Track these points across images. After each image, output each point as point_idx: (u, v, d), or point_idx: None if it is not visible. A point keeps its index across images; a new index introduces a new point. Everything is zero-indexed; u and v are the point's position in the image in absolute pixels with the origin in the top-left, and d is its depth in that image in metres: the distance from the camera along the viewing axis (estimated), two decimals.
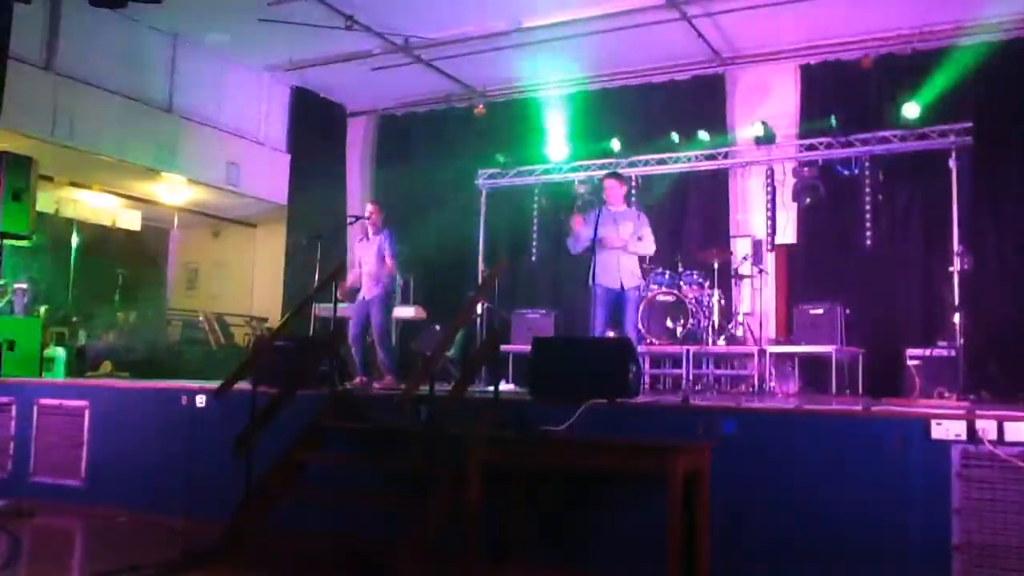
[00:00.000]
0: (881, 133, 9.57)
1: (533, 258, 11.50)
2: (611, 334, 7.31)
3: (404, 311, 10.05)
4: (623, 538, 4.88)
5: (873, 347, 9.30)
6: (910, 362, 8.56)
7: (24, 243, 8.59)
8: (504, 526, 5.05)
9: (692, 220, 10.77)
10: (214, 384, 5.88)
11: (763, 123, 10.09)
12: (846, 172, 9.83)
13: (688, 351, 9.30)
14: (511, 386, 8.96)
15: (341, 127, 12.88)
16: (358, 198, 12.71)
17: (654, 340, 9.38)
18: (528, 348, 5.93)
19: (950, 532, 4.21)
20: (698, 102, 10.79)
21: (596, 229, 7.05)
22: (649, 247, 7.37)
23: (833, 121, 9.70)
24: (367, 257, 7.83)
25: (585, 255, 7.21)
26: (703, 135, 10.42)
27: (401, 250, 8.04)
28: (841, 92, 10.03)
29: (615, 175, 7.65)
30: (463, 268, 11.64)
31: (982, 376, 8.16)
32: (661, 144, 10.59)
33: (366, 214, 8.01)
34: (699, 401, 5.72)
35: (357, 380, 7.50)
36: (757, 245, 10.31)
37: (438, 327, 10.08)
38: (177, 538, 5.64)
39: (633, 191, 10.43)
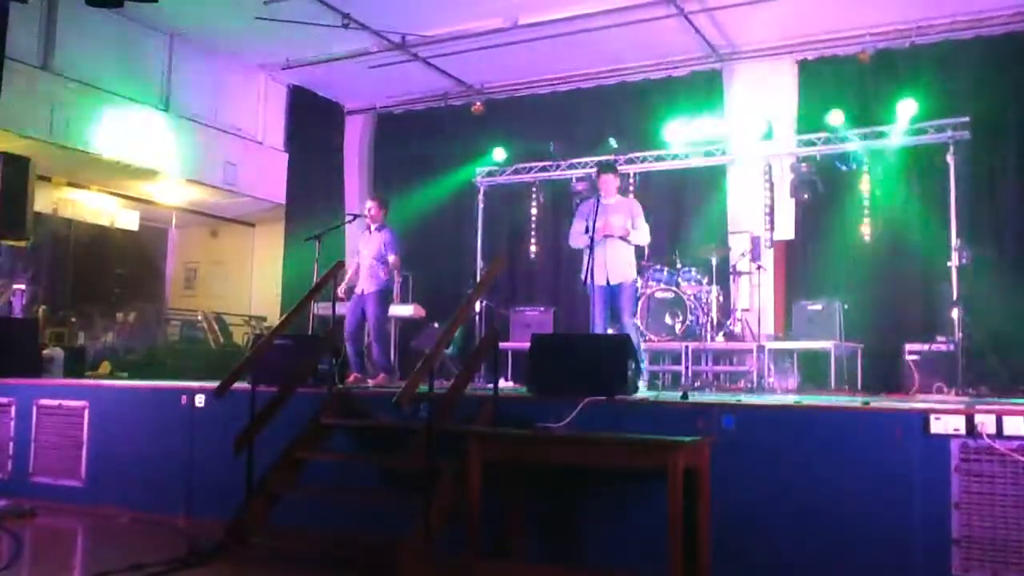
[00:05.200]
0: (879, 128, 9.57)
1: (532, 256, 11.51)
2: (612, 331, 7.23)
3: (403, 309, 10.06)
4: (623, 534, 4.89)
5: (872, 343, 9.32)
6: (909, 357, 8.57)
7: (22, 244, 8.59)
8: (504, 523, 5.05)
9: (690, 216, 10.78)
10: (213, 384, 5.88)
11: (768, 123, 10.11)
12: (844, 167, 9.84)
13: (687, 347, 9.31)
14: (510, 383, 8.98)
15: (339, 126, 12.89)
16: (356, 197, 12.73)
17: (653, 337, 9.38)
18: (527, 345, 5.93)
19: (949, 526, 4.21)
20: (696, 98, 10.79)
21: (589, 222, 6.96)
22: (642, 236, 7.16)
23: (833, 117, 9.71)
24: (366, 252, 7.79)
25: (582, 250, 7.09)
26: (701, 131, 10.42)
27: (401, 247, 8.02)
28: (839, 87, 10.04)
29: (609, 167, 7.45)
30: (461, 266, 11.66)
31: (981, 371, 8.17)
32: (659, 140, 10.60)
33: (367, 209, 7.98)
34: (698, 397, 5.73)
35: (351, 377, 7.48)
36: (755, 241, 10.29)
37: (437, 325, 10.08)
38: (178, 537, 5.64)
39: (631, 187, 10.45)
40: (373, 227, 7.83)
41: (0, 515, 6.16)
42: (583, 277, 6.95)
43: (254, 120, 11.83)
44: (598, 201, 7.13)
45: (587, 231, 6.98)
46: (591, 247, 6.94)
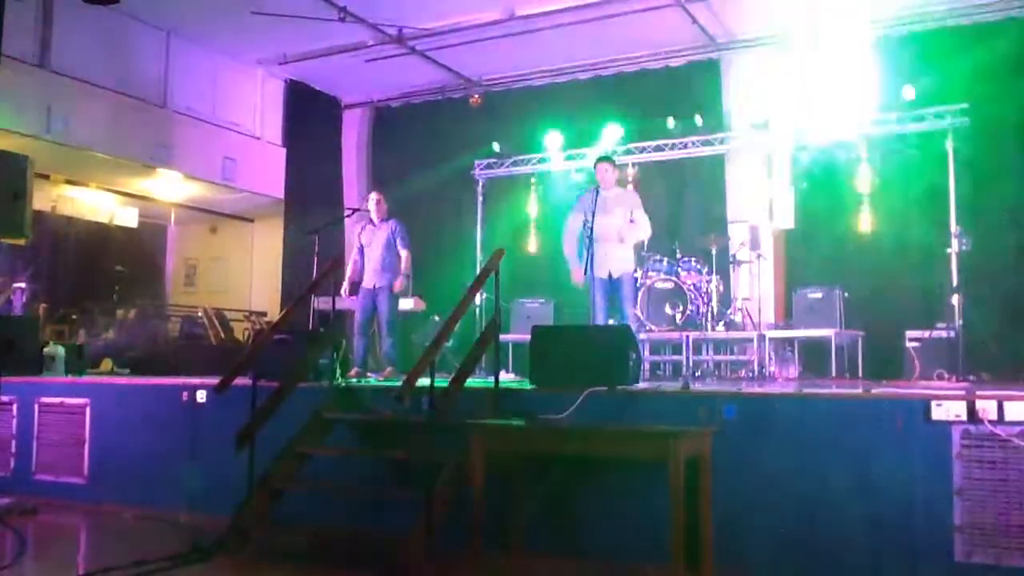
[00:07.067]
0: (878, 115, 9.54)
1: (531, 247, 11.51)
2: (612, 322, 7.26)
3: (403, 303, 10.05)
4: (626, 524, 4.89)
5: (872, 330, 9.31)
6: (909, 344, 8.56)
7: (21, 242, 8.56)
8: (508, 515, 5.06)
9: (689, 206, 10.77)
10: (214, 380, 5.89)
11: (767, 112, 10.10)
12: (843, 155, 9.82)
13: (687, 337, 9.30)
14: (512, 375, 8.98)
15: (336, 120, 12.85)
16: (355, 191, 12.71)
17: (653, 327, 9.38)
18: (528, 337, 5.93)
19: (951, 512, 4.22)
20: (694, 88, 10.76)
21: (588, 215, 6.96)
22: (643, 231, 7.21)
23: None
24: (373, 245, 7.77)
25: (583, 242, 7.07)
26: (699, 121, 10.40)
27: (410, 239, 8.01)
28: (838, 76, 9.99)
29: (605, 158, 7.48)
30: (461, 259, 11.65)
31: (982, 357, 8.17)
32: (657, 131, 10.58)
33: (372, 203, 7.96)
34: (699, 387, 5.73)
35: (353, 372, 7.48)
36: (754, 230, 10.28)
37: (437, 318, 10.08)
38: (180, 533, 5.65)
39: (629, 179, 10.43)
40: (378, 220, 7.84)
41: (3, 513, 6.17)
42: (583, 269, 6.95)
43: (252, 115, 11.80)
44: (597, 193, 7.13)
45: (586, 224, 6.98)
46: (590, 239, 6.93)
